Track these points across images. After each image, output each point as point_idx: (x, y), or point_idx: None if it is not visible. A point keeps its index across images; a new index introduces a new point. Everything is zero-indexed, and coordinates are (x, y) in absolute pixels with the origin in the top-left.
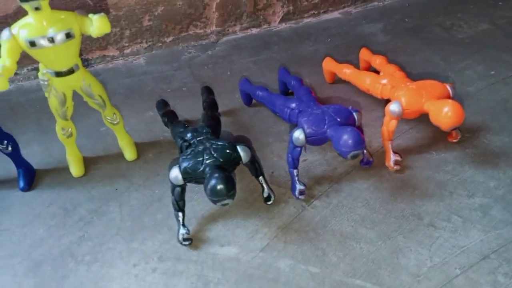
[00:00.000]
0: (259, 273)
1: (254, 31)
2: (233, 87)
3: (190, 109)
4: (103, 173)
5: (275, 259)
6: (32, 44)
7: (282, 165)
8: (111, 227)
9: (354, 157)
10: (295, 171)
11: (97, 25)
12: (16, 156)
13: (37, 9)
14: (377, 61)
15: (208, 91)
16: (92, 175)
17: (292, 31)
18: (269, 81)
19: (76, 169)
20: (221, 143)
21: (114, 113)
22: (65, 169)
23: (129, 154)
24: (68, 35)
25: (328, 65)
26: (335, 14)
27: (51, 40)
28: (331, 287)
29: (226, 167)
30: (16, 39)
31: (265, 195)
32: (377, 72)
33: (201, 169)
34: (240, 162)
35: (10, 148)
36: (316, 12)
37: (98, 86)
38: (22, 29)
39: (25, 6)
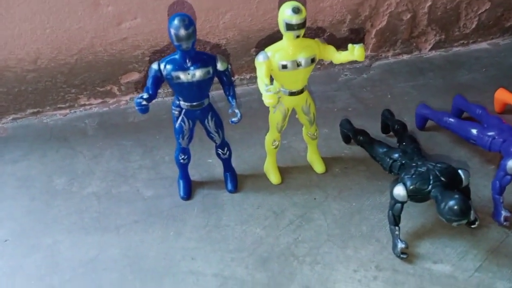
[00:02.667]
0: None
1: (405, 57)
2: (398, 110)
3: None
4: (298, 183)
5: (491, 280)
6: (284, 67)
7: (472, 191)
8: (321, 233)
9: None
10: (501, 197)
11: (358, 53)
12: (228, 161)
13: (297, 37)
14: None
15: (391, 114)
16: (289, 184)
17: (443, 58)
18: (432, 107)
19: (275, 177)
20: (444, 166)
21: (316, 130)
22: (261, 176)
23: (319, 167)
24: (313, 60)
25: (503, 95)
26: (483, 45)
27: (298, 64)
28: None
29: (450, 189)
30: (270, 62)
31: (472, 218)
32: None
33: (428, 189)
34: (461, 184)
35: (227, 155)
36: (465, 42)
37: (314, 106)
38: (277, 53)
39: (288, 33)
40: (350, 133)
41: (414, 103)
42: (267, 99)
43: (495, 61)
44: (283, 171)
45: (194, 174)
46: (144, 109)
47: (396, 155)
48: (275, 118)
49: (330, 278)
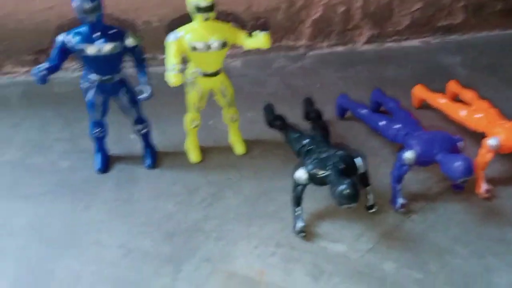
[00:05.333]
0: (367, 271)
1: (339, 48)
2: (323, 99)
3: (285, 114)
4: (216, 163)
5: (380, 261)
6: (194, 48)
7: (378, 179)
8: (229, 211)
9: (464, 182)
10: (398, 185)
11: (261, 41)
12: (147, 137)
13: (206, 19)
14: (468, 95)
15: (311, 102)
16: (207, 163)
17: (375, 53)
18: (355, 98)
19: (194, 156)
20: (343, 153)
21: (235, 112)
22: (182, 154)
23: (239, 148)
24: (224, 44)
25: (420, 91)
26: (415, 42)
27: (209, 46)
28: None
29: (347, 175)
30: (181, 42)
31: (370, 203)
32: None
33: (326, 174)
34: (357, 171)
35: (146, 130)
36: (398, 38)
37: (231, 88)
38: (188, 34)
39: (198, 15)
40: (271, 118)
41: (339, 93)
42: (170, 78)
43: (422, 59)
44: (205, 151)
45: (114, 148)
46: (43, 80)
47: (305, 141)
48: (192, 98)
49: (231, 253)
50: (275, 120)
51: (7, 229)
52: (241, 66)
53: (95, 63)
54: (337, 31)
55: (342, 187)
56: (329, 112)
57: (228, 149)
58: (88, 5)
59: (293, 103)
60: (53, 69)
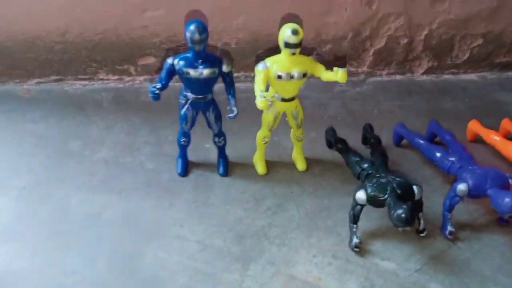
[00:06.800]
0: None
1: (398, 77)
2: (380, 126)
3: (345, 138)
4: (280, 176)
5: (427, 281)
6: (279, 77)
7: (429, 206)
8: (292, 221)
9: (510, 217)
10: (449, 214)
11: (340, 76)
12: (222, 149)
13: (293, 54)
14: None
15: (371, 128)
16: (272, 176)
17: (433, 83)
18: (411, 127)
19: (261, 168)
20: (401, 180)
21: (302, 133)
22: (250, 166)
23: (301, 165)
24: (304, 75)
25: (474, 126)
26: (471, 76)
27: (292, 76)
28: None
29: (404, 200)
30: (268, 70)
31: (421, 228)
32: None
33: (384, 197)
34: (414, 198)
35: (223, 142)
36: (456, 71)
37: (302, 112)
38: (274, 64)
39: (286, 50)
40: (332, 140)
41: (396, 121)
42: (260, 103)
43: (479, 93)
44: (269, 164)
45: (192, 155)
46: (157, 97)
47: (365, 165)
48: (267, 118)
49: (293, 259)
50: (337, 142)
51: (103, 219)
52: (304, 88)
53: (194, 84)
54: (398, 61)
55: (400, 211)
56: (385, 138)
57: (291, 165)
58: (197, 37)
59: (352, 127)
60: (164, 87)
